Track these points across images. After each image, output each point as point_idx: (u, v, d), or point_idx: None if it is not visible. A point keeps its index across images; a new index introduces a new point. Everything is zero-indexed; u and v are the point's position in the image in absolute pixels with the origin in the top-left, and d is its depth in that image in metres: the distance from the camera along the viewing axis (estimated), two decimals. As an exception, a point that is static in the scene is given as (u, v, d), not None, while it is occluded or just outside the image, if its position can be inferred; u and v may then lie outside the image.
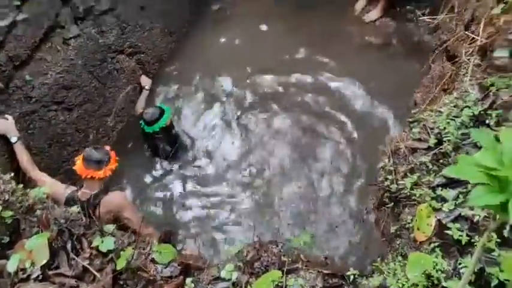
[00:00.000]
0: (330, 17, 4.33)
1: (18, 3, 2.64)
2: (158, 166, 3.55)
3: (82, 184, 2.46)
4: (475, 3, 2.00)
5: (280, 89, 3.86)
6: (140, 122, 3.42)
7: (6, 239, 1.32)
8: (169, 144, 3.51)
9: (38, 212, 1.42)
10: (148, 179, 3.46)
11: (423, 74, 3.16)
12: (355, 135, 3.34)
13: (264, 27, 4.35)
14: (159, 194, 3.37)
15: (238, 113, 3.72)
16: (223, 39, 4.33)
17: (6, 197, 1.34)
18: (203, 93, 3.97)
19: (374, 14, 4.22)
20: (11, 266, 1.13)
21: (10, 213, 1.33)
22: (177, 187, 3.41)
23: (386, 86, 3.61)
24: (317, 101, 3.68)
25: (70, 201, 2.31)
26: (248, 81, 3.94)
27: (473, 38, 1.90)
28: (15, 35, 2.64)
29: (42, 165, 2.74)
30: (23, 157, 2.53)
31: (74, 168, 2.42)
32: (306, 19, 4.29)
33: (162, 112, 3.38)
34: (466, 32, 1.98)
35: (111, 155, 2.48)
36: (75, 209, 1.49)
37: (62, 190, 2.43)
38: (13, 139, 2.54)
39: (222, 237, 2.95)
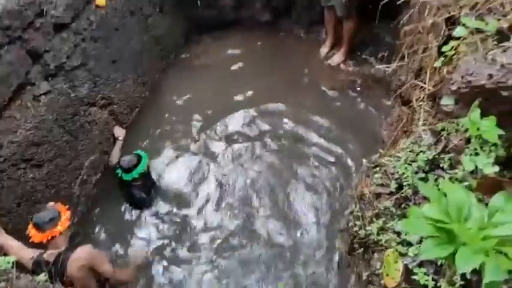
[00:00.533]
0: (295, 62, 4.57)
1: (-13, 65, 2.67)
2: (134, 216, 3.51)
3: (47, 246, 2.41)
4: (421, 54, 2.19)
5: (248, 133, 3.97)
6: (117, 171, 3.43)
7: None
8: (145, 192, 3.51)
9: (2, 284, 1.37)
10: (124, 229, 3.41)
11: (387, 114, 3.36)
12: (324, 179, 3.43)
13: (230, 75, 4.53)
14: (137, 243, 3.32)
15: (210, 160, 3.77)
16: (191, 87, 4.47)
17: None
18: (176, 140, 4.02)
19: (337, 58, 4.48)
20: None
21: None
22: (153, 236, 3.37)
23: (353, 126, 3.78)
24: (284, 145, 3.79)
25: (37, 266, 2.25)
26: (217, 127, 4.04)
27: (422, 86, 2.07)
28: (-16, 94, 2.65)
29: (10, 227, 2.66)
30: None
31: (32, 240, 2.36)
32: (272, 66, 4.51)
33: (139, 159, 3.41)
34: (415, 81, 2.15)
35: (59, 209, 2.47)
36: (42, 277, 1.45)
37: (30, 254, 2.36)
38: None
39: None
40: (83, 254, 2.40)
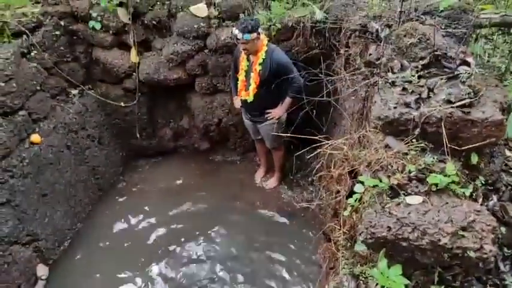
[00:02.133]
0: (232, 186, 4.78)
1: None
2: None
3: None
4: (335, 199, 2.45)
5: (189, 259, 3.89)
6: None
7: None
8: None
9: None
10: None
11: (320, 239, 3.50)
12: None
13: (168, 200, 4.57)
14: None
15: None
16: (127, 216, 4.41)
17: None
18: (110, 273, 3.78)
19: (272, 182, 4.78)
20: None
21: None
22: None
23: (286, 248, 3.86)
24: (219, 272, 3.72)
25: None
26: (151, 265, 3.89)
27: (340, 229, 2.28)
28: None
29: None
30: None
31: None
32: (210, 191, 4.66)
33: None
34: (332, 224, 2.36)
35: None
36: None
37: None
38: None
39: None
40: None
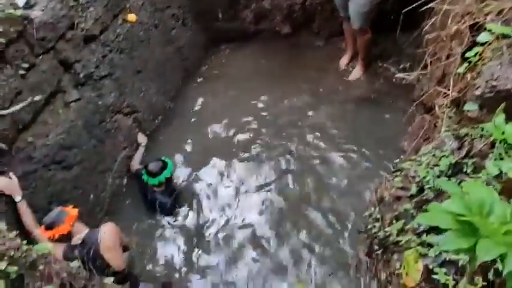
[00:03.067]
0: (315, 73, 4.63)
1: (23, 72, 2.83)
2: (154, 221, 3.58)
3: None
4: (445, 61, 2.21)
5: (267, 140, 4.04)
6: (142, 175, 3.51)
7: (10, 296, 1.36)
8: (167, 199, 3.54)
9: (41, 267, 1.46)
10: (145, 234, 3.48)
11: (408, 124, 3.35)
12: (342, 185, 3.45)
13: (249, 85, 4.61)
14: (157, 247, 3.39)
15: (231, 168, 3.84)
16: (211, 97, 4.59)
17: (12, 253, 1.40)
18: (197, 149, 4.12)
19: (356, 72, 4.50)
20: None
21: (15, 268, 1.38)
22: (170, 240, 3.43)
23: (373, 138, 3.79)
24: (302, 154, 3.83)
25: (68, 254, 2.48)
26: (236, 137, 4.11)
27: (445, 93, 2.09)
28: (20, 100, 2.80)
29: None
30: (26, 216, 2.63)
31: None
32: (291, 77, 4.58)
33: (165, 164, 3.49)
34: (438, 88, 2.17)
35: (66, 209, 2.69)
36: (75, 263, 1.55)
37: (60, 248, 2.54)
38: (17, 198, 2.63)
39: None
40: (110, 225, 2.69)
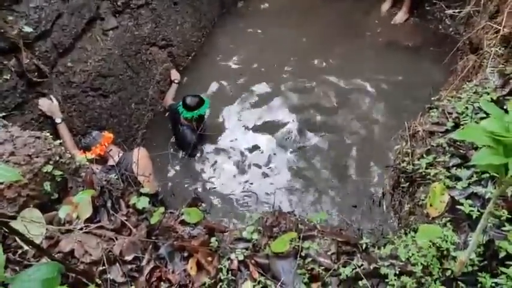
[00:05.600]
0: (357, 16, 4.39)
1: (63, -6, 2.86)
2: (183, 153, 3.69)
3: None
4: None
5: (301, 84, 3.98)
6: (177, 108, 3.48)
7: (55, 196, 1.50)
8: (193, 137, 3.51)
9: (83, 174, 1.59)
10: (175, 163, 3.59)
11: (450, 72, 3.18)
12: (380, 120, 3.42)
13: (286, 26, 4.46)
14: (183, 173, 3.51)
15: (261, 110, 3.85)
16: (246, 36, 4.49)
17: (57, 158, 1.52)
18: (227, 90, 4.12)
19: (400, 16, 4.25)
20: (62, 213, 1.29)
21: (59, 172, 1.51)
22: (201, 169, 3.54)
23: (412, 84, 3.64)
24: (339, 94, 3.76)
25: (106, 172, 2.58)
26: (269, 77, 4.06)
27: (497, 28, 1.94)
28: (61, 24, 2.87)
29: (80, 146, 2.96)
30: (65, 137, 2.77)
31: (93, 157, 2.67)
32: (331, 20, 4.38)
33: (202, 101, 3.44)
34: (490, 23, 2.01)
35: (101, 134, 2.77)
36: (113, 176, 1.66)
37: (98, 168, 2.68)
38: (57, 120, 2.78)
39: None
40: (142, 150, 2.78)
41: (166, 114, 3.89)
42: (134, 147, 2.98)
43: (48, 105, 2.77)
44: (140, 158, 2.70)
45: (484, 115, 1.67)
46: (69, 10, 2.89)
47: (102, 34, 3.27)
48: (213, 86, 4.16)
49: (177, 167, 3.57)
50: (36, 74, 2.69)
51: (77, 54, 3.06)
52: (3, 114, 2.27)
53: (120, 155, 2.83)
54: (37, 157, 1.49)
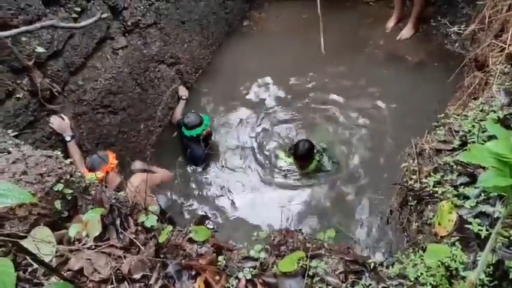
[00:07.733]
0: (362, 32, 4.45)
1: (76, 16, 2.95)
2: (190, 169, 3.72)
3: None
4: (505, 13, 2.05)
5: (307, 102, 4.02)
6: (182, 126, 3.61)
7: (66, 214, 1.52)
8: (201, 151, 3.57)
9: (93, 192, 1.62)
10: (183, 178, 3.63)
11: (456, 88, 3.19)
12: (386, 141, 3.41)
13: (292, 41, 4.53)
14: (191, 190, 3.55)
15: (268, 128, 3.90)
16: (253, 53, 4.57)
17: (68, 176, 1.55)
18: (234, 105, 4.17)
19: (406, 32, 4.28)
20: (72, 231, 1.31)
21: (70, 191, 1.53)
22: (207, 185, 3.59)
23: (418, 100, 3.65)
24: (347, 114, 3.78)
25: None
26: (275, 93, 4.10)
27: (502, 46, 1.95)
28: (73, 44, 2.95)
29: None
30: (75, 155, 2.81)
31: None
32: (337, 35, 4.43)
33: (201, 119, 3.54)
34: (495, 41, 2.03)
35: (107, 153, 2.75)
36: (122, 193, 1.68)
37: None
38: (67, 138, 2.83)
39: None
40: (137, 175, 2.79)
41: (175, 133, 3.94)
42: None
43: (59, 122, 2.82)
44: (132, 182, 2.64)
45: (491, 133, 1.67)
46: (81, 30, 2.97)
47: (112, 53, 3.36)
48: (219, 103, 4.21)
49: (186, 184, 3.60)
50: (48, 92, 2.75)
51: (87, 73, 3.14)
52: (16, 133, 2.31)
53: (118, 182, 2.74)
54: (48, 176, 1.52)
